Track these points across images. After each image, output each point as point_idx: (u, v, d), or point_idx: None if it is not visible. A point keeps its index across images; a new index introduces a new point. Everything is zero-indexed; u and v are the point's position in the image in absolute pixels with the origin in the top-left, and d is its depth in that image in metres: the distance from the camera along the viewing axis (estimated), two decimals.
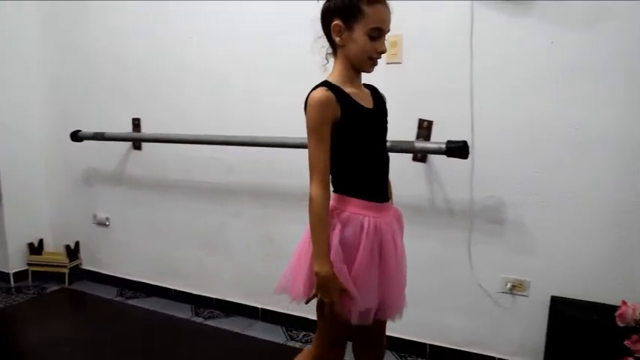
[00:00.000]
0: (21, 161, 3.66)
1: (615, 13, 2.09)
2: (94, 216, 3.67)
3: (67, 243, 3.72)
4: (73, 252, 3.73)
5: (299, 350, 2.70)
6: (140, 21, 3.24)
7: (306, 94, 1.54)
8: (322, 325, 1.67)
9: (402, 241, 1.67)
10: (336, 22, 1.52)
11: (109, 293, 3.53)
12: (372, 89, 1.69)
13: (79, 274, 3.76)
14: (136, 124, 3.35)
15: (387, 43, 1.58)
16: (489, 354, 2.48)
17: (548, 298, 2.31)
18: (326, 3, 1.56)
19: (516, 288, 2.39)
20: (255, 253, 3.05)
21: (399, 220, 1.71)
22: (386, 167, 1.68)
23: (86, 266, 3.79)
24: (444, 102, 2.41)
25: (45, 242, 3.82)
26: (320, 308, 1.60)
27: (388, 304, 1.61)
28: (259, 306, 3.09)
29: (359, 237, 1.53)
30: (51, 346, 2.75)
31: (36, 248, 3.74)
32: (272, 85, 2.85)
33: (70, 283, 3.67)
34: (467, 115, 2.36)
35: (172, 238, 3.35)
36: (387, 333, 1.84)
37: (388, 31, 1.54)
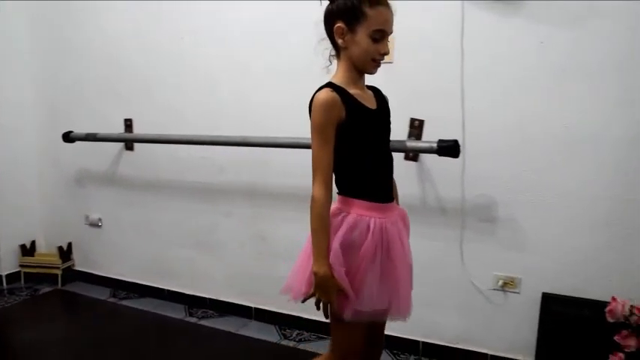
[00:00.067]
0: (13, 162, 3.65)
1: (604, 13, 2.12)
2: (87, 217, 3.66)
3: (59, 244, 3.71)
4: (65, 253, 3.72)
5: (293, 349, 2.72)
6: (132, 21, 3.24)
7: (311, 95, 1.55)
8: (336, 331, 1.66)
9: (408, 241, 1.68)
10: (339, 24, 1.52)
11: (102, 294, 3.52)
12: (374, 90, 1.69)
13: (72, 275, 3.75)
14: (128, 124, 3.34)
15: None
16: (482, 351, 2.50)
17: (540, 295, 2.34)
18: (329, 5, 1.56)
19: (508, 285, 2.41)
20: (248, 252, 3.06)
21: (404, 219, 1.71)
22: (390, 168, 1.69)
23: (79, 267, 3.78)
24: (435, 101, 2.43)
25: (37, 243, 3.81)
26: (332, 317, 1.61)
27: (396, 304, 1.60)
28: (253, 305, 3.10)
29: (365, 238, 1.53)
30: (44, 348, 2.74)
31: (28, 250, 3.73)
32: (263, 85, 2.86)
33: (62, 285, 3.66)
34: (458, 114, 2.38)
35: (165, 238, 3.35)
36: None
37: (391, 32, 1.54)
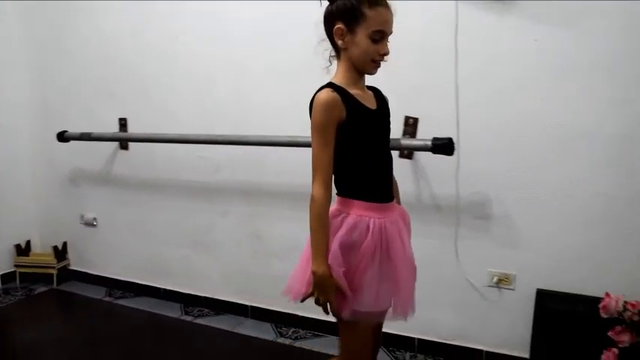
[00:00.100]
0: (7, 162, 3.64)
1: (598, 12, 2.13)
2: (82, 216, 3.66)
3: (54, 244, 3.70)
4: (60, 253, 3.71)
5: (289, 347, 2.73)
6: (128, 21, 3.23)
7: (308, 95, 1.55)
8: (345, 333, 1.67)
9: (409, 240, 1.68)
10: (339, 25, 1.52)
11: (97, 293, 3.52)
12: (375, 91, 1.69)
13: (68, 274, 3.74)
14: (123, 123, 3.34)
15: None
16: (477, 347, 2.52)
17: (534, 291, 2.36)
18: (328, 6, 1.56)
19: (502, 282, 2.43)
20: (244, 251, 3.06)
21: (404, 218, 1.71)
22: (389, 168, 1.69)
23: (74, 267, 3.77)
24: (429, 99, 2.44)
25: (32, 243, 3.80)
26: (341, 322, 1.62)
27: (398, 304, 1.61)
28: (248, 303, 3.10)
29: (365, 238, 1.53)
30: (40, 348, 2.74)
31: (23, 249, 3.72)
32: (259, 84, 2.86)
33: (58, 284, 3.66)
34: (452, 112, 2.39)
35: (161, 237, 3.35)
36: None
37: (391, 33, 1.54)
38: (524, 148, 2.31)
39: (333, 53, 1.63)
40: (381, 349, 2.62)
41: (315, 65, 2.48)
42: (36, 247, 3.83)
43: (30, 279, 3.68)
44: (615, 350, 2.02)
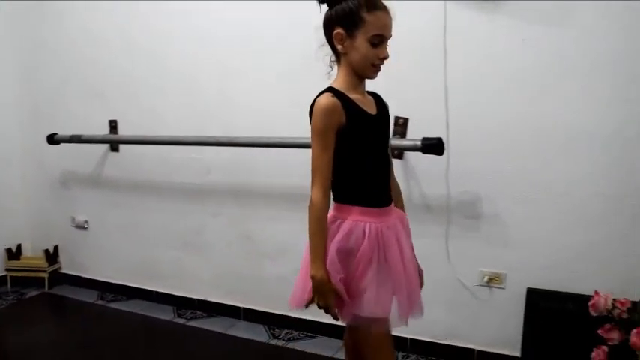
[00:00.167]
0: None
1: (589, 10, 2.14)
2: (73, 219, 3.64)
3: (45, 247, 3.69)
4: (52, 256, 3.70)
5: (282, 348, 2.73)
6: (115, 22, 3.22)
7: (308, 97, 1.55)
8: (366, 345, 1.64)
9: (408, 244, 1.67)
10: (338, 30, 1.52)
11: (89, 297, 3.51)
12: (375, 96, 1.69)
13: (59, 278, 3.73)
14: (113, 126, 3.33)
15: None
16: (468, 346, 2.53)
17: (524, 290, 2.37)
18: (328, 12, 1.56)
19: (493, 281, 2.44)
20: (236, 252, 3.06)
21: (402, 222, 1.70)
22: (387, 173, 1.69)
23: (66, 270, 3.76)
24: (419, 100, 2.44)
25: (23, 247, 3.78)
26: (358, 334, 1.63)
27: (399, 307, 1.59)
28: (241, 305, 3.10)
29: (361, 243, 1.53)
30: (32, 352, 2.73)
31: (14, 253, 3.70)
32: (248, 85, 2.86)
33: (49, 288, 3.64)
34: (442, 112, 2.40)
35: (152, 239, 3.35)
36: None
37: (390, 37, 1.55)
38: (514, 148, 2.32)
39: (334, 58, 1.63)
40: None
41: (305, 67, 2.49)
42: (27, 251, 3.81)
43: (21, 283, 3.66)
44: (605, 348, 2.04)
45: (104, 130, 3.34)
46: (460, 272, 2.48)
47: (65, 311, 3.46)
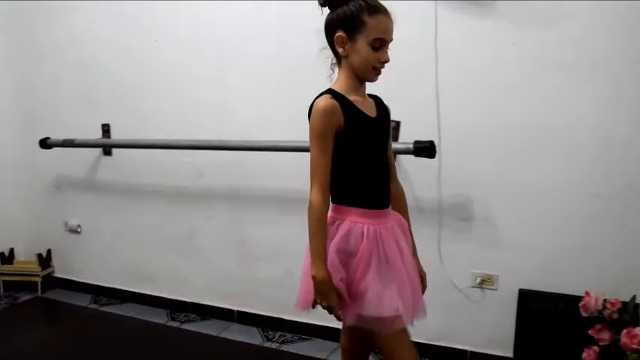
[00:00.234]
0: None
1: (576, 13, 2.17)
2: (66, 223, 3.64)
3: (38, 251, 3.68)
4: (45, 260, 3.69)
5: (276, 351, 2.74)
6: (107, 26, 3.22)
7: (311, 102, 1.55)
8: (386, 346, 1.64)
9: (407, 246, 1.67)
10: (339, 33, 1.53)
11: (83, 301, 3.50)
12: (376, 99, 1.70)
13: (52, 282, 3.72)
14: (106, 129, 3.33)
15: None
16: (461, 347, 2.54)
17: (516, 291, 2.39)
18: (329, 15, 1.57)
19: (485, 282, 2.46)
20: (229, 255, 3.07)
21: (401, 225, 1.70)
22: (387, 175, 1.69)
23: (59, 274, 3.75)
24: (410, 103, 2.46)
25: (16, 251, 3.76)
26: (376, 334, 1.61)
27: (404, 307, 1.57)
28: (235, 308, 3.10)
29: (360, 244, 1.54)
30: (25, 357, 2.72)
31: (7, 257, 3.69)
32: (241, 89, 2.87)
33: (43, 292, 3.63)
34: (433, 115, 2.42)
35: (145, 243, 3.35)
36: None
37: (391, 40, 1.56)
38: (506, 150, 2.34)
39: (334, 61, 1.63)
40: None
41: (299, 70, 2.52)
42: (20, 255, 3.79)
43: (14, 287, 3.64)
44: (596, 348, 2.05)
45: (97, 134, 3.33)
46: (452, 274, 2.49)
47: (58, 315, 3.45)
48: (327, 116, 1.50)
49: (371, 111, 1.62)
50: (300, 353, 2.71)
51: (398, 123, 2.48)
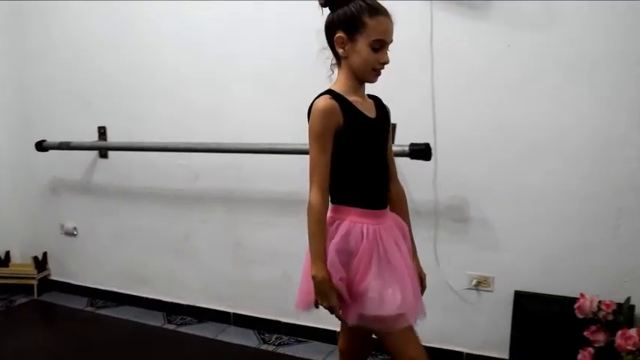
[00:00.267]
0: None
1: (568, 16, 2.18)
2: (62, 226, 3.63)
3: (34, 254, 3.67)
4: (41, 263, 3.68)
5: (272, 353, 2.74)
6: (103, 29, 3.22)
7: (310, 102, 1.56)
8: (393, 345, 1.64)
9: (405, 247, 1.67)
10: (339, 34, 1.53)
11: (79, 303, 3.50)
12: (375, 99, 1.71)
13: (48, 285, 3.71)
14: (102, 132, 3.33)
15: None
16: (457, 349, 2.54)
17: (512, 293, 2.39)
18: (329, 15, 1.57)
19: (481, 284, 2.46)
20: (225, 258, 3.07)
21: (399, 226, 1.70)
22: (386, 175, 1.70)
23: (55, 277, 3.74)
24: (406, 105, 2.46)
25: (12, 254, 3.76)
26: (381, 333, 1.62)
27: (405, 306, 1.57)
28: (231, 311, 3.10)
29: (360, 244, 1.55)
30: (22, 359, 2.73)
31: (3, 260, 3.68)
32: (237, 90, 2.87)
33: (39, 295, 3.63)
34: (429, 118, 2.43)
35: (142, 245, 3.34)
36: None
37: (391, 42, 1.56)
38: (502, 152, 2.35)
39: (334, 61, 1.64)
40: None
41: (295, 72, 2.52)
42: (15, 258, 3.78)
43: (10, 290, 3.63)
44: (591, 350, 2.06)
45: (93, 137, 3.33)
46: (448, 276, 2.50)
47: (54, 318, 3.45)
48: (326, 116, 1.51)
49: (370, 112, 1.63)
50: (297, 356, 2.71)
51: (394, 125, 2.47)
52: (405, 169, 2.49)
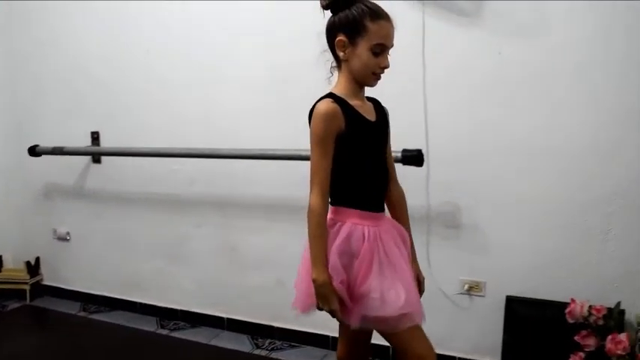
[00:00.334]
0: None
1: (556, 25, 2.20)
2: (54, 231, 3.63)
3: (27, 259, 3.66)
4: (33, 268, 3.67)
5: (265, 358, 2.74)
6: (96, 33, 3.23)
7: (311, 106, 1.57)
8: (399, 344, 1.65)
9: (405, 251, 1.68)
10: (340, 37, 1.54)
11: (72, 308, 3.49)
12: (374, 102, 1.72)
13: (41, 290, 3.70)
14: (95, 137, 3.33)
15: None
16: (449, 354, 2.55)
17: (504, 298, 2.41)
18: (331, 18, 1.58)
19: (473, 289, 2.48)
20: (219, 263, 3.07)
21: (398, 231, 1.71)
22: (385, 178, 1.72)
23: (47, 282, 3.73)
24: (398, 111, 2.46)
25: (4, 259, 3.73)
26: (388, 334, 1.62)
27: (408, 307, 1.56)
28: (224, 316, 3.10)
29: (361, 245, 1.55)
30: None
31: None
32: (231, 96, 2.88)
33: (31, 300, 3.62)
34: (421, 124, 2.45)
35: (135, 250, 3.34)
36: None
37: (392, 46, 1.57)
38: (492, 158, 2.37)
39: (334, 64, 1.65)
40: None
41: (290, 78, 2.53)
42: (8, 263, 3.76)
43: (2, 295, 3.62)
44: (582, 354, 2.08)
45: (86, 142, 3.33)
46: (441, 281, 2.51)
47: (47, 323, 3.43)
48: (328, 120, 1.52)
49: (370, 115, 1.64)
50: None
51: None
52: (398, 175, 2.51)
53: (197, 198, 3.08)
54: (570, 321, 2.12)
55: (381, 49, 1.54)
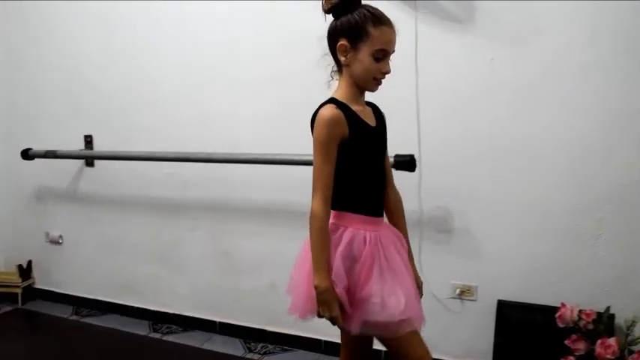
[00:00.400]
0: None
1: (547, 31, 2.23)
2: (47, 234, 3.62)
3: (19, 262, 3.65)
4: (25, 271, 3.66)
5: None
6: (90, 36, 3.23)
7: (314, 111, 1.57)
8: (397, 349, 1.66)
9: (405, 256, 1.68)
10: (342, 42, 1.54)
11: (64, 312, 3.48)
12: (373, 107, 1.73)
13: (33, 293, 3.70)
14: (88, 140, 3.33)
15: None
16: (441, 357, 2.55)
17: (495, 302, 2.42)
18: (333, 22, 1.58)
19: (465, 293, 2.49)
20: (212, 267, 3.07)
21: (397, 235, 1.72)
22: (383, 183, 1.73)
23: (40, 285, 3.73)
24: (390, 117, 2.48)
25: None
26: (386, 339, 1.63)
27: (408, 312, 1.57)
28: (217, 319, 3.11)
29: (363, 250, 1.56)
30: None
31: None
32: (226, 100, 2.89)
33: (23, 304, 3.61)
34: (414, 129, 2.46)
35: (128, 254, 3.34)
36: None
37: (393, 52, 1.58)
38: (484, 163, 2.39)
39: (335, 68, 1.65)
40: None
41: (283, 83, 2.53)
42: (0, 266, 3.76)
43: None
44: (572, 358, 2.10)
45: (79, 145, 3.33)
46: (432, 285, 2.52)
47: (39, 327, 3.42)
48: (332, 126, 1.52)
49: (371, 120, 1.65)
50: None
51: None
52: None
53: (191, 202, 3.08)
54: (561, 325, 2.14)
55: (382, 55, 1.55)
